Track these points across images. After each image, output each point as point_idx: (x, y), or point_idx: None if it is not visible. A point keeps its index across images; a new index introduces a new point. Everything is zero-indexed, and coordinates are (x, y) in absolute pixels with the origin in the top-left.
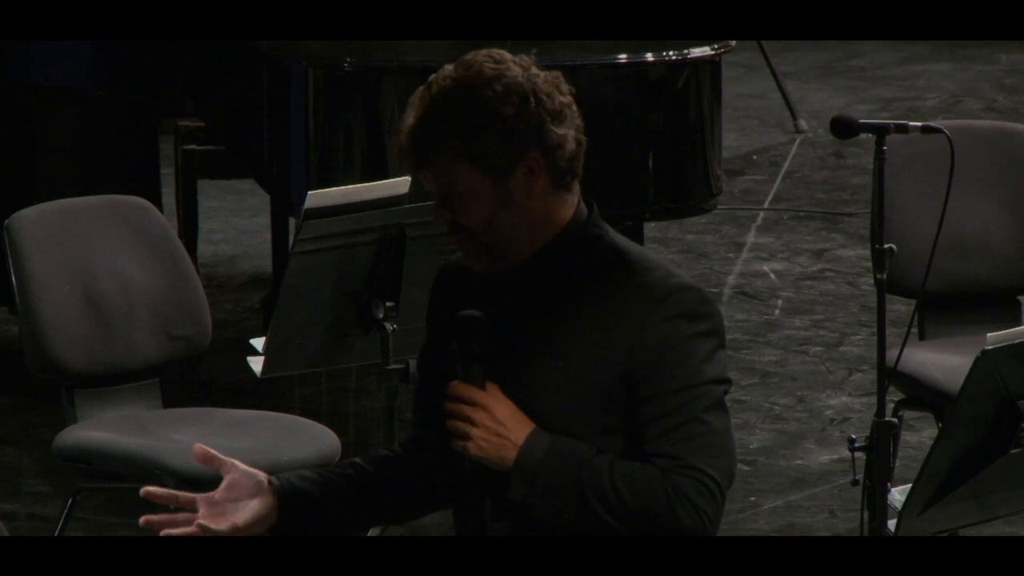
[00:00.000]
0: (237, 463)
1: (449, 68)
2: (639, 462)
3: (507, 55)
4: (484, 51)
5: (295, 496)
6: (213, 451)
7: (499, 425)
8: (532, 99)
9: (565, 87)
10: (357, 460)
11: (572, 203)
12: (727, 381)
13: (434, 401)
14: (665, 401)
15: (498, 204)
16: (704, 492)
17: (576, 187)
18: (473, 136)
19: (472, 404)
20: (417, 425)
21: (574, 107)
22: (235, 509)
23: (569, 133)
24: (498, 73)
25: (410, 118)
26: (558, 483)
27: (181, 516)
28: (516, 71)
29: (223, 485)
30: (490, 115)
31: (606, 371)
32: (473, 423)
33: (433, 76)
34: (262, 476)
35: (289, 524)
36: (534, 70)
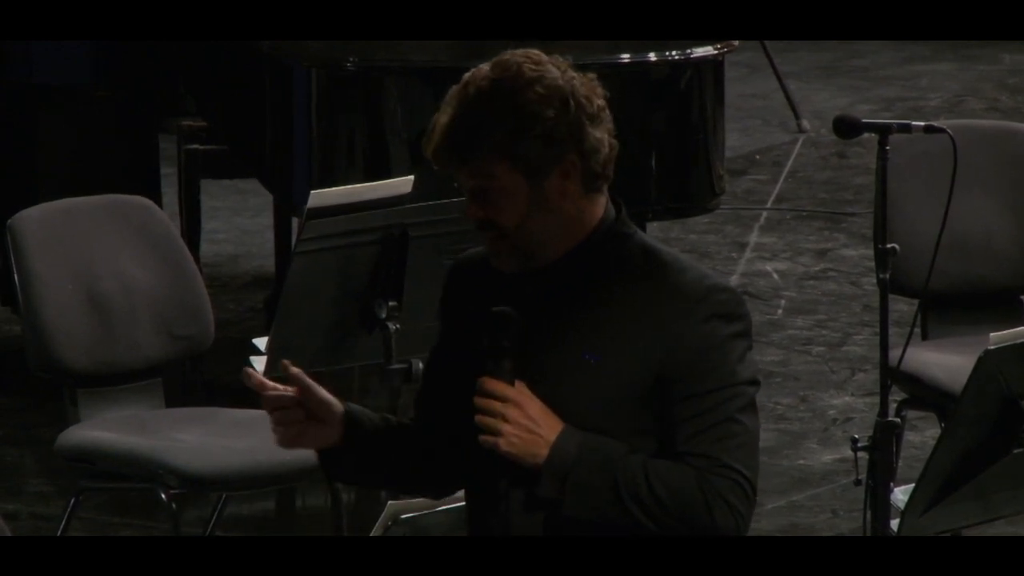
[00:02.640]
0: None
1: (486, 68)
2: (673, 461)
3: (544, 56)
4: (520, 52)
5: (357, 419)
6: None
7: (531, 422)
8: (572, 102)
9: (600, 90)
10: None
11: (602, 204)
12: (758, 382)
13: (443, 397)
14: (701, 401)
15: (533, 205)
16: (739, 492)
17: (605, 188)
18: (514, 138)
19: (503, 400)
20: (419, 420)
21: (607, 110)
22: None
23: (604, 137)
24: (539, 75)
25: (446, 116)
26: (591, 481)
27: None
28: (555, 73)
29: (315, 392)
30: (532, 117)
31: (641, 371)
32: (505, 419)
33: (469, 75)
34: (337, 406)
35: (347, 451)
36: (571, 72)
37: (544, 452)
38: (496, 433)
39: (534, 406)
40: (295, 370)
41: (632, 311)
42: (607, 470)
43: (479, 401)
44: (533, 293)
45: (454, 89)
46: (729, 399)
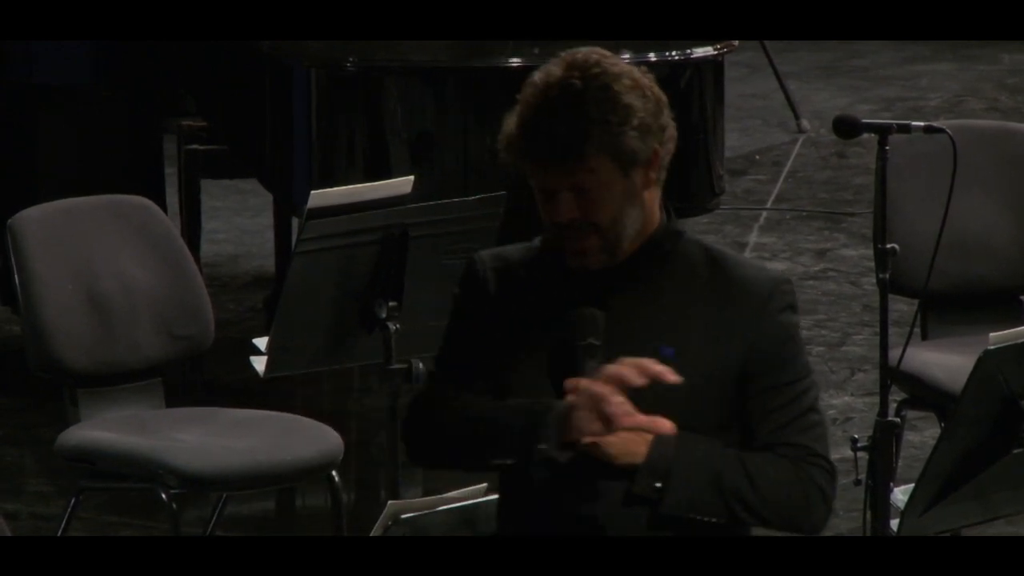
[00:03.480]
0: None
1: (559, 69)
2: (764, 453)
3: (606, 51)
4: (586, 49)
5: None
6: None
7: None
8: (650, 92)
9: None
10: None
11: (659, 200)
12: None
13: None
14: (784, 392)
15: (626, 199)
16: (829, 479)
17: None
18: (616, 132)
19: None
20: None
21: None
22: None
23: (674, 127)
24: (620, 69)
25: (532, 118)
26: (693, 478)
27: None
28: (627, 66)
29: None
30: (628, 109)
31: (724, 365)
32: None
33: (543, 76)
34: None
35: None
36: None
37: (643, 451)
38: (595, 433)
39: (627, 406)
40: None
41: (704, 307)
42: (707, 466)
43: (572, 401)
44: (605, 290)
45: (532, 92)
46: (807, 389)
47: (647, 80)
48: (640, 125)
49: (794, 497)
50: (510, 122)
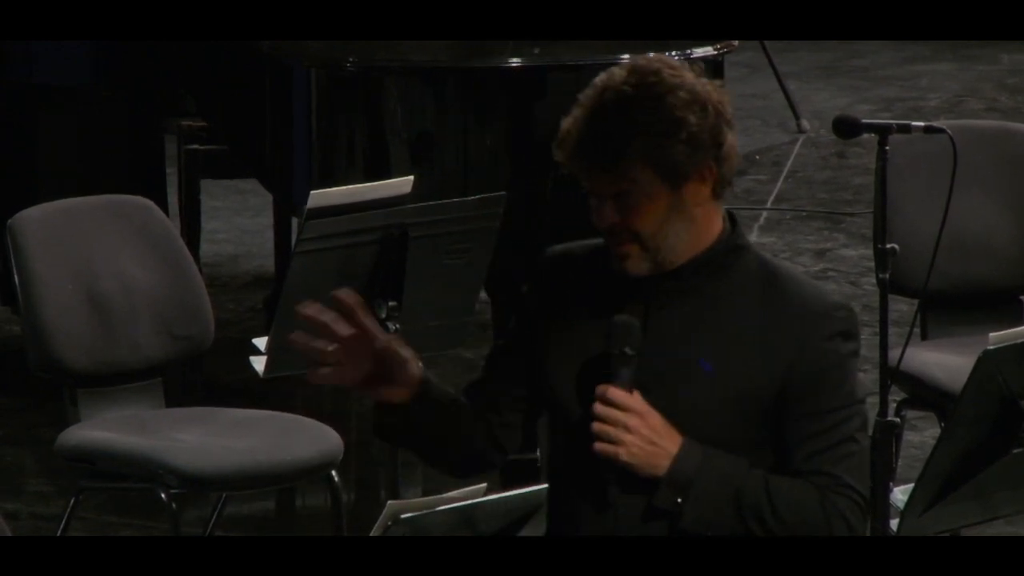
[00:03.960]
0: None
1: (623, 73)
2: (793, 478)
3: (677, 62)
4: (654, 57)
5: (431, 389)
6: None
7: (653, 433)
8: (711, 108)
9: (727, 96)
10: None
11: (722, 214)
12: (866, 400)
13: (513, 385)
14: (822, 419)
15: (671, 211)
16: (858, 512)
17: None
18: (661, 143)
19: (625, 409)
20: (474, 402)
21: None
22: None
23: (736, 143)
24: (679, 80)
25: (584, 121)
26: (712, 495)
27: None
28: (691, 78)
29: (384, 346)
30: (677, 122)
31: (762, 385)
32: (627, 429)
33: (604, 79)
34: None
35: (413, 407)
36: (703, 78)
37: (665, 464)
38: (617, 442)
39: (655, 417)
40: (349, 302)
41: (752, 324)
42: (729, 484)
43: (599, 409)
44: (653, 298)
45: (589, 94)
46: (849, 418)
47: (715, 95)
48: (690, 139)
49: (815, 526)
50: (566, 122)
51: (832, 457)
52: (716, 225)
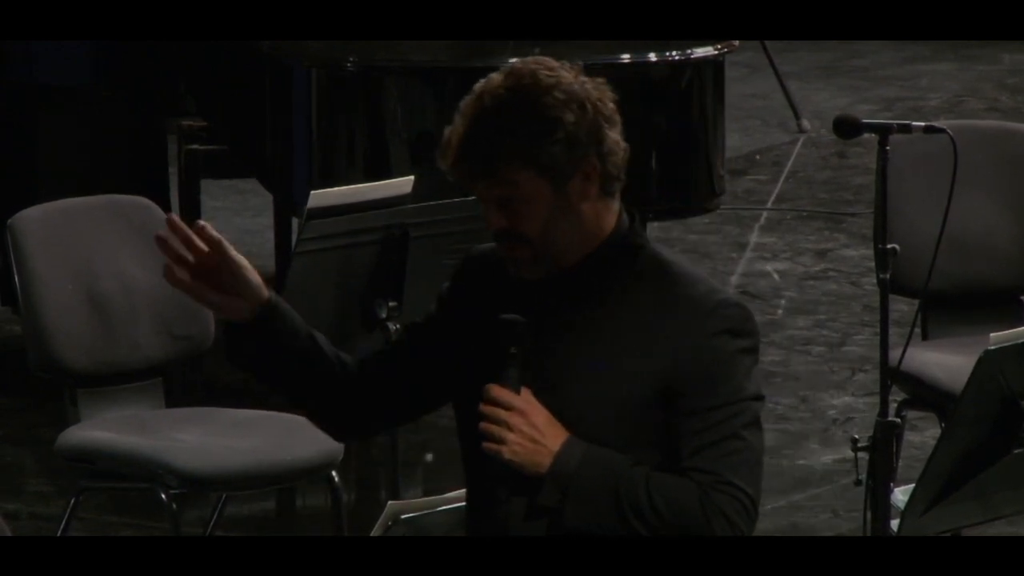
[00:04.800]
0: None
1: (499, 77)
2: (675, 475)
3: (555, 62)
4: (531, 59)
5: (278, 314)
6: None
7: (535, 431)
8: (588, 105)
9: (610, 93)
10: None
11: (616, 211)
12: (763, 398)
13: (411, 370)
14: (705, 416)
15: (557, 211)
16: (740, 509)
17: (618, 195)
18: (539, 143)
19: (508, 408)
20: (363, 366)
21: (618, 113)
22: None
23: (619, 139)
24: (555, 80)
25: (464, 128)
26: (593, 492)
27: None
28: (569, 77)
29: (234, 266)
30: (554, 122)
31: (647, 383)
32: (509, 427)
33: (481, 86)
34: (261, 289)
35: (257, 328)
36: (582, 76)
37: (547, 462)
38: (500, 440)
39: (539, 415)
40: (215, 235)
41: (641, 322)
42: (609, 481)
43: (484, 408)
44: (544, 299)
45: (468, 101)
46: (734, 415)
47: (595, 93)
48: (567, 138)
49: (694, 523)
50: (448, 131)
51: (714, 454)
52: (608, 222)
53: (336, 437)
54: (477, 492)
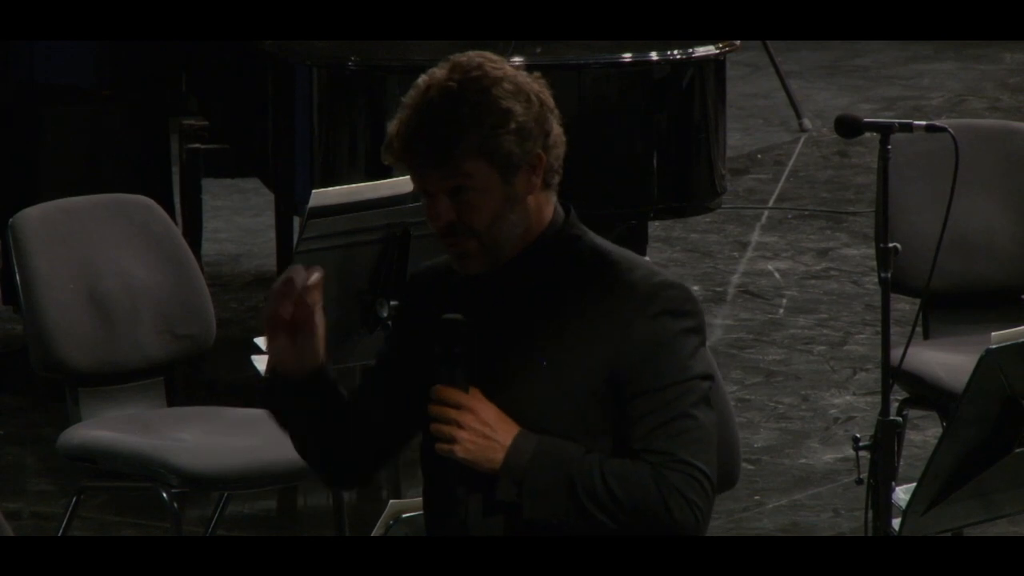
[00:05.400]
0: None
1: (443, 71)
2: (628, 459)
3: (495, 55)
4: (472, 53)
5: (326, 381)
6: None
7: (485, 427)
8: (534, 97)
9: (547, 87)
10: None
11: (552, 204)
12: (711, 377)
13: (383, 403)
14: (653, 398)
15: (505, 203)
16: (695, 486)
17: (556, 188)
18: (491, 135)
19: (457, 407)
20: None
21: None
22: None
23: (561, 131)
24: (502, 73)
25: (412, 120)
26: (548, 483)
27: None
28: (513, 71)
29: (315, 328)
30: (505, 113)
31: (592, 371)
32: (459, 426)
33: (426, 79)
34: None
35: (302, 387)
36: (522, 70)
37: (500, 457)
38: (451, 440)
39: (489, 411)
40: (318, 297)
41: (582, 311)
42: (563, 471)
43: (433, 409)
44: (485, 296)
45: (413, 94)
46: (682, 395)
47: (535, 85)
48: (518, 129)
49: (650, 504)
50: (392, 125)
51: (665, 433)
52: (547, 215)
53: (338, 486)
54: (434, 494)
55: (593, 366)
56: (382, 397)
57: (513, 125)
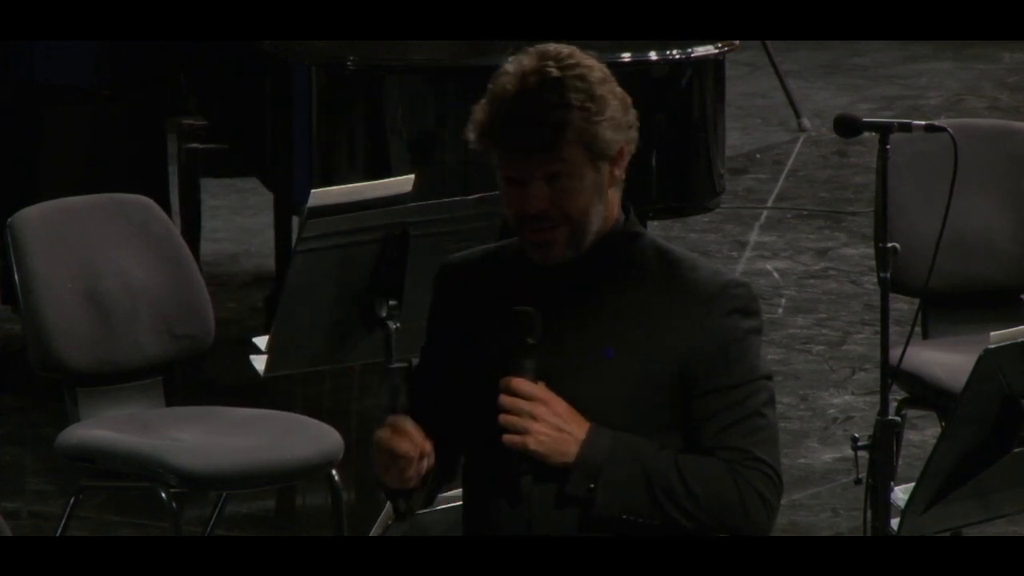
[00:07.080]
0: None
1: (532, 60)
2: (703, 456)
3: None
4: (553, 45)
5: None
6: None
7: (559, 420)
8: (619, 90)
9: None
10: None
11: (619, 201)
12: (772, 377)
13: (442, 401)
14: (726, 395)
15: (595, 192)
16: (770, 484)
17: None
18: (593, 120)
19: (529, 399)
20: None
21: None
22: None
23: (637, 127)
24: (592, 63)
25: (513, 103)
26: (623, 478)
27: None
28: (597, 62)
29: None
30: (602, 101)
31: (663, 367)
32: (532, 418)
33: (516, 68)
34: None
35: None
36: None
37: (574, 450)
38: (523, 432)
39: (560, 404)
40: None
41: (650, 308)
42: (639, 467)
43: (504, 400)
44: (552, 289)
45: (505, 81)
46: (753, 393)
47: (613, 78)
48: (612, 118)
49: (728, 501)
50: (481, 111)
51: (739, 431)
52: (616, 211)
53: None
54: (489, 488)
55: (662, 361)
56: (449, 399)
57: (609, 113)
